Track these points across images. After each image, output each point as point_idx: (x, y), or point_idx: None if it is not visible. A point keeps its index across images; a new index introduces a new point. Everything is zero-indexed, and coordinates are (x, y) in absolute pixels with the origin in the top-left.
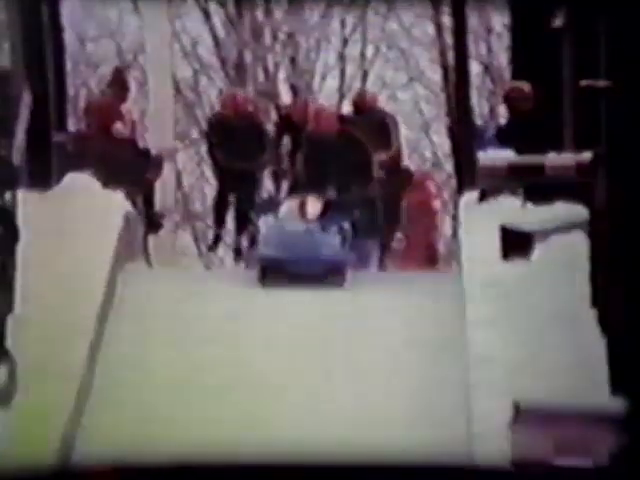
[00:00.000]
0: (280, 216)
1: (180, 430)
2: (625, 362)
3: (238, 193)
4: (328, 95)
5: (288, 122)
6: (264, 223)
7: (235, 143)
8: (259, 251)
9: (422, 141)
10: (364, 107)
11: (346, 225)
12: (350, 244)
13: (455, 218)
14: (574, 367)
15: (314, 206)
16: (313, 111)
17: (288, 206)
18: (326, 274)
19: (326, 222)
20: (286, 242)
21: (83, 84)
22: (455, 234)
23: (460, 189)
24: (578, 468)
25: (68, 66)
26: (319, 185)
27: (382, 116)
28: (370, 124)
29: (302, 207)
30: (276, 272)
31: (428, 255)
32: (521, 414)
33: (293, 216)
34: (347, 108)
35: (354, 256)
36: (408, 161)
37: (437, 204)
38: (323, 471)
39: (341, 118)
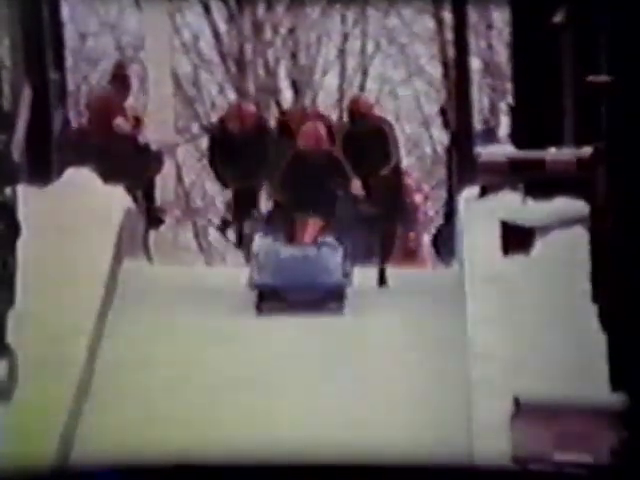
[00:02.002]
0: (278, 239)
1: (180, 430)
2: (625, 358)
3: (241, 209)
4: (329, 91)
5: (286, 129)
6: (260, 246)
7: (239, 161)
8: (255, 278)
9: (422, 137)
10: (359, 113)
11: (345, 244)
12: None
13: (450, 213)
14: (574, 363)
15: (311, 228)
16: (303, 127)
17: (285, 228)
18: (324, 300)
19: (324, 245)
20: (282, 269)
21: (84, 79)
22: (450, 229)
23: (450, 183)
24: (578, 466)
25: (68, 61)
26: (298, 205)
27: (378, 123)
28: (366, 132)
29: (296, 230)
30: (273, 300)
31: (410, 249)
32: (521, 410)
33: (289, 239)
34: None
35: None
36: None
37: (418, 198)
38: (323, 471)
39: (330, 132)
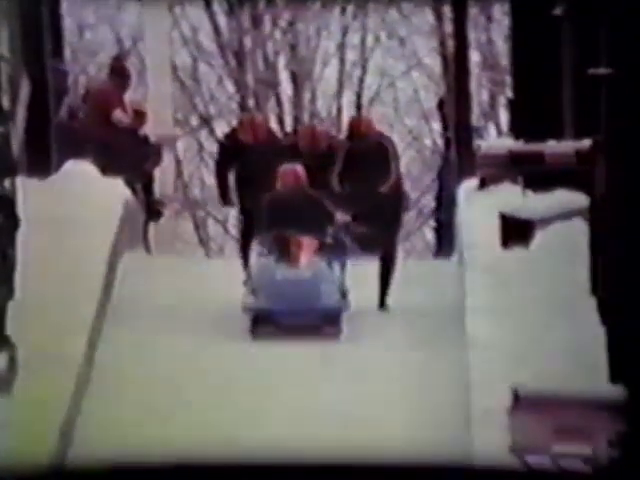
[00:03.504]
0: (274, 259)
1: (179, 426)
2: (624, 350)
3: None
4: (328, 84)
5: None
6: (255, 267)
7: (251, 173)
8: (249, 301)
9: (422, 130)
10: (360, 132)
11: (341, 263)
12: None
13: (439, 203)
14: (573, 354)
15: (306, 249)
16: (281, 170)
17: (280, 249)
18: (321, 325)
19: (320, 267)
20: (277, 292)
21: (82, 71)
22: (440, 221)
23: (443, 174)
24: (576, 457)
25: (67, 54)
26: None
27: (379, 140)
28: (367, 150)
29: (290, 250)
30: (267, 324)
31: None
32: (520, 401)
33: (285, 260)
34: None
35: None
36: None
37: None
38: (322, 471)
39: (309, 175)
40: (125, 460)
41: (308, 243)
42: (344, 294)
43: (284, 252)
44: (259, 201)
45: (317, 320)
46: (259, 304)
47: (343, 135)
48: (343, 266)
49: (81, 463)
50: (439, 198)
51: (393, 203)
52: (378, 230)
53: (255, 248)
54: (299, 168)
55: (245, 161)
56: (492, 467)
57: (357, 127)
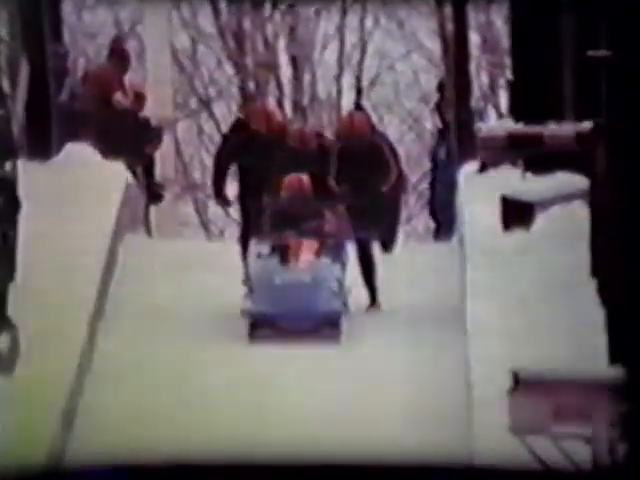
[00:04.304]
0: (273, 261)
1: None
2: (624, 331)
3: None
4: (327, 66)
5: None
6: (254, 270)
7: (261, 161)
8: (247, 305)
9: (422, 112)
10: (352, 131)
11: (341, 263)
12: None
13: (433, 189)
14: (573, 336)
15: (305, 251)
16: (286, 180)
17: (279, 250)
18: (320, 329)
19: (319, 270)
20: (276, 295)
21: (81, 54)
22: (433, 205)
23: (435, 155)
24: (576, 437)
25: (66, 36)
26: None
27: (372, 140)
28: (360, 150)
29: (290, 252)
30: (265, 328)
31: None
32: (520, 383)
33: (284, 262)
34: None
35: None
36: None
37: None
38: (323, 471)
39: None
40: (125, 460)
41: (307, 244)
42: (344, 297)
43: (283, 253)
44: (260, 199)
45: (317, 324)
46: (258, 308)
47: (337, 132)
48: (343, 267)
49: (81, 462)
50: (433, 182)
51: (394, 198)
52: (379, 225)
53: (254, 249)
54: (304, 178)
55: (253, 151)
56: (493, 466)
57: (349, 126)
